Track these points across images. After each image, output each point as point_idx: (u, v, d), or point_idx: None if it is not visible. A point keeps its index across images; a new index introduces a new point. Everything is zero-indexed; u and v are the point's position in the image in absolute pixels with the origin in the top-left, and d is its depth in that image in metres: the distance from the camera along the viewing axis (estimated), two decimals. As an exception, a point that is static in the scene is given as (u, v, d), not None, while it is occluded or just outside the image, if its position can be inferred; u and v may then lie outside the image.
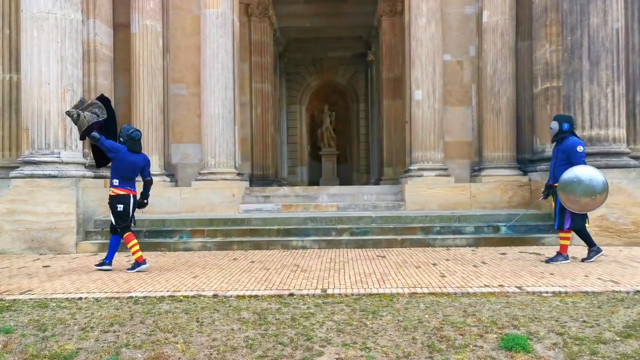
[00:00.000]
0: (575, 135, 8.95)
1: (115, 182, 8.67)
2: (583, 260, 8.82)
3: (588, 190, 8.37)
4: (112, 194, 8.75)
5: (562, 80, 11.67)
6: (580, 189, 8.39)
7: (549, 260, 8.75)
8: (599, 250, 8.89)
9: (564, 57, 11.42)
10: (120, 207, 8.69)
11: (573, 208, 8.56)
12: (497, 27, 13.56)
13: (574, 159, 8.59)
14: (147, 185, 8.89)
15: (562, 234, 8.95)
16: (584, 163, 8.60)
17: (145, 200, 8.98)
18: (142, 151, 8.98)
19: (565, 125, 8.82)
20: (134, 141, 8.76)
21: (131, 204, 8.77)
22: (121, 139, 8.78)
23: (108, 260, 8.84)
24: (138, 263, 8.66)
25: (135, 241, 8.77)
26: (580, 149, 8.58)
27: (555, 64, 12.60)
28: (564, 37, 11.35)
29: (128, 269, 8.67)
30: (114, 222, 8.79)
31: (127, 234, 8.77)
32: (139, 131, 8.98)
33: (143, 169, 8.83)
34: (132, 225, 8.91)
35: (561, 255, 8.80)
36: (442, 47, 13.98)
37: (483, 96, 13.93)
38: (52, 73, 11.05)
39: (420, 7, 13.64)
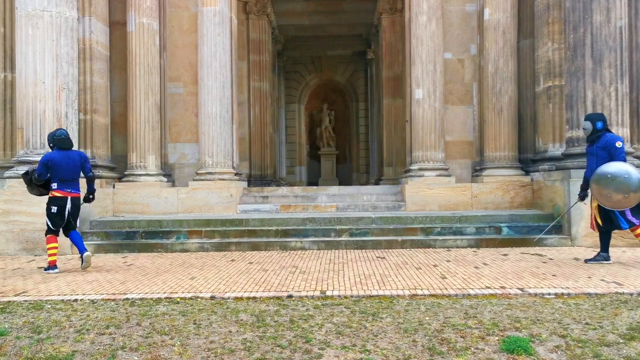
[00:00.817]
0: (611, 132, 8.91)
1: (54, 185, 8.86)
2: (586, 261, 8.81)
3: (622, 187, 8.30)
4: (50, 195, 8.96)
5: (565, 78, 11.66)
6: (614, 185, 8.34)
7: (588, 261, 8.75)
8: (607, 259, 8.78)
9: (567, 56, 11.42)
10: (54, 209, 8.91)
11: (605, 204, 8.53)
12: (498, 25, 13.55)
13: (614, 154, 8.54)
14: (90, 181, 9.21)
15: (636, 231, 8.71)
16: (624, 159, 8.56)
17: (91, 196, 9.28)
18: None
19: (599, 124, 8.79)
20: (61, 140, 8.98)
21: (67, 207, 8.95)
22: (51, 145, 9.05)
23: (82, 251, 8.92)
24: (51, 267, 8.87)
25: (55, 245, 8.99)
26: (619, 144, 8.53)
27: (557, 63, 12.61)
28: (567, 35, 11.35)
29: (45, 269, 8.90)
30: (49, 224, 8.98)
31: (51, 235, 9.01)
32: (62, 129, 9.21)
33: (82, 166, 9.07)
34: (73, 226, 9.13)
35: None
36: (443, 45, 13.97)
37: (484, 95, 13.93)
38: (47, 71, 11.05)
39: (420, 5, 13.63)
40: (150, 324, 5.54)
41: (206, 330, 5.29)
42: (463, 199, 13.23)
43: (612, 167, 8.43)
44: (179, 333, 5.23)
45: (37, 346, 5.02)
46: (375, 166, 25.38)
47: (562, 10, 11.97)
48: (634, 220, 8.57)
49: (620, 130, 10.86)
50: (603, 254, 8.82)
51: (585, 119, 9.05)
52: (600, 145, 8.72)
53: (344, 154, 32.82)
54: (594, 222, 8.90)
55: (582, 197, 9.08)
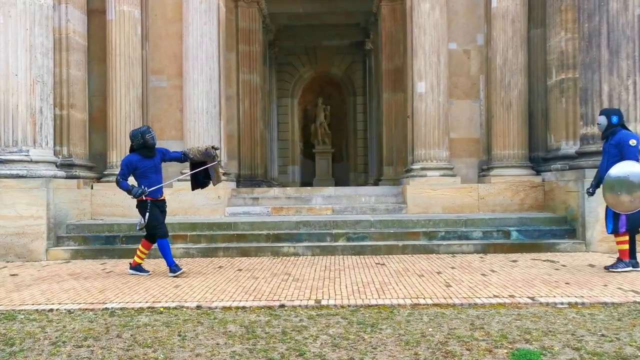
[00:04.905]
0: (627, 128, 8.91)
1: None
2: (607, 268, 8.77)
3: (627, 189, 8.29)
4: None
5: (579, 71, 11.70)
6: (617, 187, 8.35)
7: (609, 268, 8.70)
8: (636, 265, 8.72)
9: (581, 46, 11.43)
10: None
11: (617, 209, 8.52)
12: (507, 12, 13.56)
13: (625, 153, 8.53)
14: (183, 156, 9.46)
15: (618, 238, 8.79)
16: (636, 158, 8.53)
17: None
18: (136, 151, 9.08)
19: (615, 119, 8.80)
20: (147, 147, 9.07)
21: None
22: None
23: (172, 265, 8.98)
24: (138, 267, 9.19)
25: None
26: (633, 142, 8.51)
27: (571, 54, 12.64)
28: (581, 23, 11.37)
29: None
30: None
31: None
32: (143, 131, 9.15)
33: (165, 159, 9.33)
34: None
35: (622, 261, 8.71)
36: (448, 35, 14.00)
37: (492, 88, 13.94)
38: (20, 63, 11.04)
39: (423, -9, 13.65)
40: (131, 335, 5.54)
41: (192, 343, 5.29)
42: (469, 200, 13.25)
43: (615, 170, 8.47)
44: (163, 345, 5.22)
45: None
46: (374, 165, 25.37)
47: (575, -3, 12.00)
48: (623, 227, 8.61)
49: (639, 126, 10.86)
50: (630, 261, 8.77)
51: (600, 114, 9.06)
52: (613, 142, 8.72)
53: (340, 153, 32.78)
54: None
55: (591, 193, 9.12)
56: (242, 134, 18.91)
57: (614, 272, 8.54)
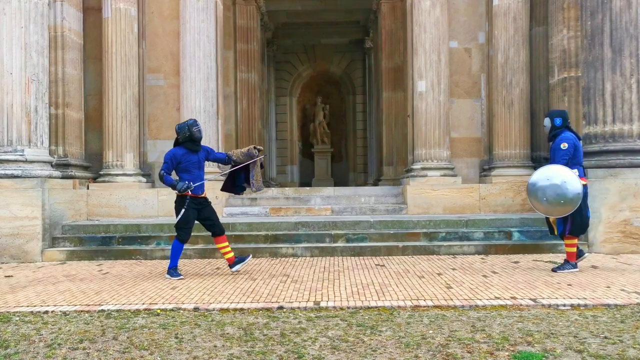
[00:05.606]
0: (571, 131, 8.97)
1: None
2: (554, 270, 8.82)
3: (541, 194, 8.50)
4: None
5: (582, 69, 11.70)
6: (534, 193, 8.60)
7: (556, 270, 8.77)
8: (574, 266, 8.87)
9: (584, 44, 11.44)
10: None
11: (538, 209, 8.69)
12: (509, 10, 13.54)
13: (553, 156, 8.69)
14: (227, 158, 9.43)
15: (567, 241, 8.89)
16: (564, 162, 8.58)
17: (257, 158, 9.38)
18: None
19: (558, 121, 8.87)
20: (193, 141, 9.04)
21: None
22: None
23: (174, 267, 8.92)
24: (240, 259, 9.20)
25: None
26: (564, 146, 8.61)
27: (573, 52, 12.64)
28: (584, 21, 11.37)
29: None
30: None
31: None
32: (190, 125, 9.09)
33: (209, 158, 9.35)
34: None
35: (569, 263, 8.81)
36: (448, 33, 14.00)
37: (493, 87, 13.94)
38: (15, 62, 11.03)
39: (423, -11, 13.65)
40: (127, 337, 5.53)
41: (189, 345, 5.28)
42: (470, 201, 13.25)
43: (535, 175, 8.72)
44: (159, 348, 5.22)
45: (3, 363, 5.01)
46: (373, 165, 25.37)
47: (578, -5, 12.00)
48: (567, 231, 8.74)
49: (642, 126, 10.87)
50: (571, 262, 8.94)
51: (545, 116, 9.19)
52: (554, 145, 8.84)
53: (339, 152, 32.76)
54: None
55: None
56: (240, 134, 18.88)
57: (560, 273, 8.62)
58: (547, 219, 9.08)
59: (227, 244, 9.24)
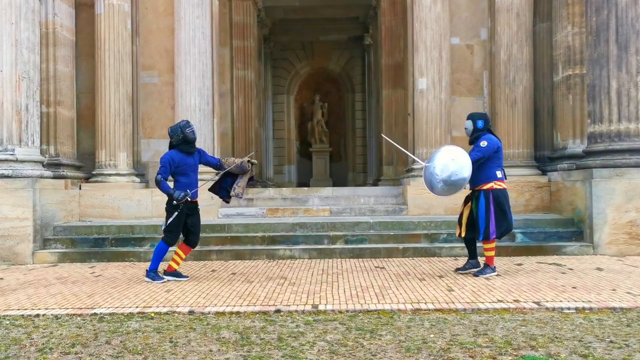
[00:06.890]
0: (493, 134, 9.03)
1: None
2: (475, 274, 8.83)
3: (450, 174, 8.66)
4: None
5: (587, 66, 11.70)
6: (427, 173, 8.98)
7: (477, 274, 8.80)
8: (477, 266, 9.00)
9: (588, 41, 11.44)
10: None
11: (435, 189, 9.06)
12: (512, 6, 13.52)
13: (472, 151, 8.70)
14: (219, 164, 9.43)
15: (487, 245, 8.89)
16: (475, 159, 8.60)
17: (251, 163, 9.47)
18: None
19: (480, 123, 8.93)
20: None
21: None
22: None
23: (154, 270, 8.87)
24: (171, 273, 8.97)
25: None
26: (484, 143, 8.67)
27: (578, 49, 12.63)
28: (589, 17, 11.37)
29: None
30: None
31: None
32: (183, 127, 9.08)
33: (201, 161, 9.23)
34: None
35: (489, 267, 8.86)
36: (450, 30, 13.99)
37: (496, 85, 13.92)
38: (5, 59, 11.01)
39: (424, -16, 13.64)
40: (121, 342, 5.53)
41: (184, 349, 5.28)
42: (472, 201, 13.22)
43: (448, 152, 8.90)
44: (154, 352, 5.22)
45: (-7, 368, 5.00)
46: (373, 165, 25.35)
47: (583, -10, 12.00)
48: (494, 234, 8.73)
49: (649, 125, 10.87)
50: (473, 262, 9.09)
51: (467, 118, 9.19)
52: (475, 145, 8.87)
53: (338, 152, 32.71)
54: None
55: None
56: (236, 133, 18.89)
57: (482, 277, 8.65)
58: (459, 219, 9.16)
59: (185, 257, 9.26)
